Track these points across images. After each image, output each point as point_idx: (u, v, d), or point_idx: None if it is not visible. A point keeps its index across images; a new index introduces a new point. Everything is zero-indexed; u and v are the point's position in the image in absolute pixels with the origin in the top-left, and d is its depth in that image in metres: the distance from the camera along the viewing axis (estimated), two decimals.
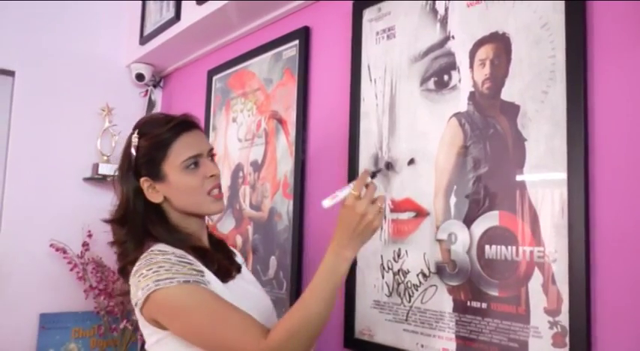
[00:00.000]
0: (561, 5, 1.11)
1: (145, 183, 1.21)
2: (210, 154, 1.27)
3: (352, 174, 1.54)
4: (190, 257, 1.15)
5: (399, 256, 1.40)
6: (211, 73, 2.33)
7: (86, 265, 2.42)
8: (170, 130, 1.20)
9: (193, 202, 1.22)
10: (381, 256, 1.44)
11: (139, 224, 1.21)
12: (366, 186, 1.09)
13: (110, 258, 2.43)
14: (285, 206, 1.82)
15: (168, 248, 1.15)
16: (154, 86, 2.75)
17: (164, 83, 2.83)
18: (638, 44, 1.02)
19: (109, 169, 2.51)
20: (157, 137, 1.20)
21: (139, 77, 2.66)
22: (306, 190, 1.77)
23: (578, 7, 1.09)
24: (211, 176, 1.23)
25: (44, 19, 2.53)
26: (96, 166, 2.53)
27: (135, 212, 1.21)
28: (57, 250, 2.37)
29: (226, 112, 2.21)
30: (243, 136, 2.08)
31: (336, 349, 1.56)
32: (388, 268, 1.43)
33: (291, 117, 1.84)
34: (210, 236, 1.33)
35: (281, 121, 1.89)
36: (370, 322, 1.45)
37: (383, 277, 1.44)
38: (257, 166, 1.98)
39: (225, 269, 1.22)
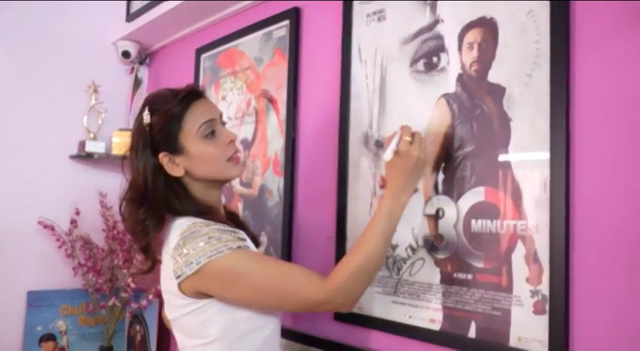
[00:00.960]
0: None
1: (164, 158, 1.28)
2: (222, 121, 1.34)
3: (343, 151, 1.62)
4: (230, 226, 1.24)
5: None
6: (200, 52, 2.38)
7: (74, 242, 2.47)
8: (180, 103, 1.27)
9: (215, 170, 1.30)
10: None
11: (160, 201, 1.27)
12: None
13: (98, 235, 2.51)
14: (275, 183, 1.90)
15: (204, 221, 1.23)
16: (140, 64, 2.79)
17: (150, 61, 2.87)
18: (621, 31, 1.11)
19: (95, 146, 2.57)
20: (169, 111, 1.27)
21: (125, 54, 2.69)
22: (296, 168, 1.85)
23: None
24: (230, 142, 1.31)
25: None
26: (82, 144, 2.57)
27: (155, 189, 1.28)
28: (45, 227, 2.42)
29: (216, 91, 2.27)
30: (233, 115, 2.15)
31: (327, 323, 1.65)
32: None
33: (282, 96, 1.91)
34: (225, 208, 1.42)
35: (271, 100, 1.96)
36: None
37: None
38: (247, 144, 2.05)
39: (253, 237, 1.32)
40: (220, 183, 1.36)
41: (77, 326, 2.57)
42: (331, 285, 1.17)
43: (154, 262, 1.35)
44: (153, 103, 1.31)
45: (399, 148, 1.23)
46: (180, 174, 1.29)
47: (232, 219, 1.38)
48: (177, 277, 1.19)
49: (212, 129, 1.29)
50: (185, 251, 1.18)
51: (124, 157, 1.36)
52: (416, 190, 1.37)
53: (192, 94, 1.30)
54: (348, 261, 1.19)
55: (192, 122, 1.27)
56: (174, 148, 1.28)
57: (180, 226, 1.23)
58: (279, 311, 1.32)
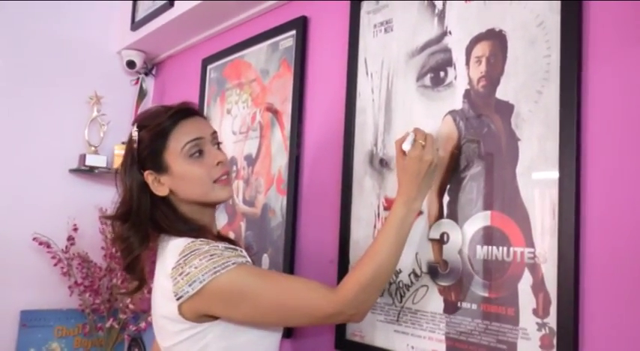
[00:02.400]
0: (557, 5, 1.19)
1: (149, 176, 1.30)
2: (215, 141, 1.35)
3: (347, 170, 1.63)
4: (228, 244, 1.25)
5: None
6: (206, 62, 2.42)
7: (71, 260, 2.49)
8: (168, 119, 1.29)
9: (200, 192, 1.31)
10: None
11: (144, 219, 1.30)
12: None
13: (97, 253, 2.54)
14: (279, 202, 1.91)
15: (203, 239, 1.24)
16: (146, 74, 2.84)
17: (157, 71, 2.92)
18: (633, 46, 1.10)
19: (96, 160, 2.61)
20: (156, 128, 1.29)
21: (130, 64, 2.74)
22: (300, 186, 1.85)
23: (574, 7, 1.17)
24: (218, 164, 1.31)
25: (28, 1, 2.57)
26: (83, 157, 2.62)
27: (139, 207, 1.30)
28: (40, 244, 2.44)
29: (221, 104, 2.29)
30: (237, 129, 2.17)
31: None
32: None
33: (287, 110, 1.92)
34: (219, 233, 1.43)
35: (276, 115, 1.97)
36: (362, 323, 1.53)
37: None
38: (251, 161, 2.07)
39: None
40: (207, 204, 1.36)
41: (72, 348, 2.59)
42: (341, 297, 1.19)
43: (141, 283, 1.37)
44: (143, 119, 1.34)
45: (411, 153, 1.25)
46: (164, 193, 1.31)
47: (227, 240, 1.40)
48: (179, 298, 1.20)
49: (199, 148, 1.30)
50: (187, 270, 1.19)
51: (116, 172, 1.39)
52: (421, 213, 1.37)
53: (183, 112, 1.32)
54: (359, 271, 1.21)
55: (177, 140, 1.29)
56: (160, 166, 1.30)
57: (178, 246, 1.24)
58: (290, 326, 1.35)
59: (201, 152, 1.31)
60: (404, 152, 1.28)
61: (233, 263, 1.19)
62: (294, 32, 1.94)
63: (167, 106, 1.34)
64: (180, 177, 1.29)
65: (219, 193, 1.33)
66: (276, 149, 1.96)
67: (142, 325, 2.44)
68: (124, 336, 2.61)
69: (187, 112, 1.33)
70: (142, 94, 2.76)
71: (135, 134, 1.31)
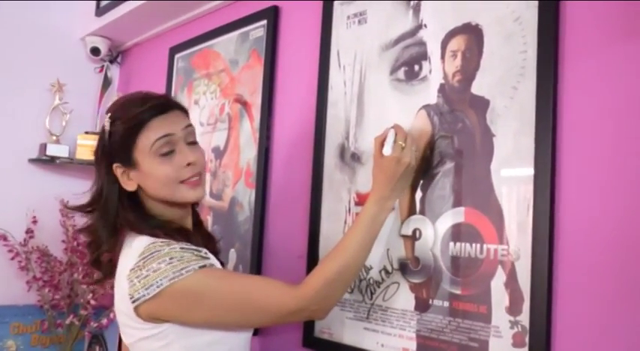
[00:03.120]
0: (534, 2, 1.20)
1: (117, 170, 1.27)
2: (191, 138, 1.30)
3: (317, 164, 1.62)
4: (190, 244, 1.23)
5: None
6: (173, 51, 2.38)
7: (30, 253, 2.43)
8: (141, 114, 1.24)
9: (167, 191, 1.27)
10: None
11: (112, 212, 1.27)
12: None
13: (57, 247, 2.48)
14: (247, 196, 1.89)
15: (164, 240, 1.22)
16: (111, 62, 2.78)
17: (122, 59, 2.86)
18: (611, 43, 1.11)
19: (58, 150, 2.55)
20: (129, 122, 1.25)
21: (95, 51, 2.68)
22: (269, 180, 1.84)
23: (551, 4, 1.17)
24: (188, 165, 1.27)
25: None
26: (43, 147, 2.55)
27: (107, 200, 1.28)
28: None
29: (188, 94, 2.26)
30: (205, 121, 2.14)
31: (295, 349, 1.63)
32: None
33: (256, 101, 1.90)
34: (196, 217, 1.42)
35: (246, 106, 1.95)
36: (330, 321, 1.53)
37: None
38: (219, 153, 2.04)
39: (212, 250, 1.31)
40: (179, 204, 1.33)
41: (29, 346, 2.52)
42: (304, 292, 1.18)
43: (105, 275, 1.36)
44: (117, 109, 1.30)
45: (391, 154, 1.25)
46: (132, 189, 1.29)
47: (200, 233, 1.39)
48: (134, 301, 1.18)
49: (171, 148, 1.26)
50: (144, 273, 1.17)
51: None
52: (392, 209, 1.37)
53: (159, 107, 1.27)
54: (324, 267, 1.21)
55: (147, 137, 1.25)
56: (128, 161, 1.26)
57: (138, 246, 1.22)
58: (252, 326, 1.33)
59: (172, 151, 1.26)
60: (382, 150, 1.27)
61: (191, 269, 1.16)
62: (264, 22, 1.91)
63: (145, 97, 1.29)
64: (148, 175, 1.26)
65: (186, 194, 1.28)
66: (244, 141, 1.94)
67: (104, 321, 2.39)
68: (85, 333, 2.56)
69: (164, 106, 1.28)
70: (106, 83, 2.69)
71: (107, 125, 1.27)
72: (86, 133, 2.63)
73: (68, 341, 2.51)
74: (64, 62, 2.71)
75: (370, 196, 1.27)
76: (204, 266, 1.18)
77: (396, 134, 1.26)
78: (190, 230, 1.34)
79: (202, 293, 1.17)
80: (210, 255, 1.24)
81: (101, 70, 2.75)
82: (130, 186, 1.28)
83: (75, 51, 2.76)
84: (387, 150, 1.26)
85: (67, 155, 2.57)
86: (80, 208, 1.31)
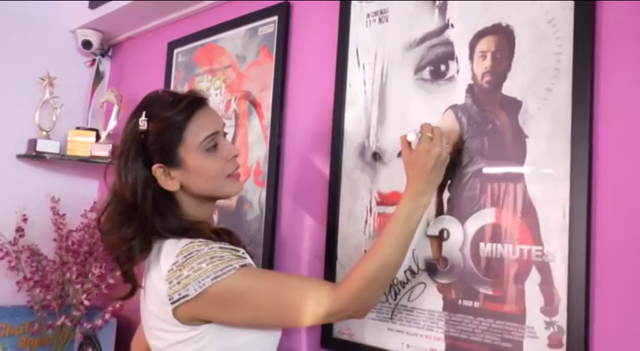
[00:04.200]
0: (569, 3, 1.22)
1: (158, 170, 1.26)
2: (224, 131, 1.34)
3: (336, 163, 1.63)
4: (227, 244, 1.23)
5: None
6: (172, 46, 2.36)
7: (20, 253, 2.38)
8: (183, 111, 1.25)
9: (213, 186, 1.29)
10: (365, 251, 1.53)
11: (150, 218, 1.25)
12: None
13: (48, 246, 2.44)
14: (256, 195, 1.89)
15: (202, 240, 1.21)
16: (102, 56, 2.74)
17: (113, 53, 2.83)
18: None
19: (48, 145, 2.50)
20: (169, 120, 1.25)
21: (86, 44, 2.64)
22: (281, 178, 1.84)
23: (587, 5, 1.20)
24: (232, 158, 1.31)
25: None
26: (33, 143, 2.50)
27: (144, 205, 1.25)
28: None
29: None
30: None
31: (313, 349, 1.64)
32: None
33: (266, 99, 1.90)
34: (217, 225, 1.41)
35: (254, 103, 1.95)
36: (350, 321, 1.54)
37: None
38: None
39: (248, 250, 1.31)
40: (216, 199, 1.35)
41: (17, 348, 2.46)
42: (344, 293, 1.19)
43: (134, 287, 1.32)
44: (151, 107, 1.28)
45: (419, 146, 1.26)
46: (175, 188, 1.28)
47: (227, 234, 1.37)
48: (174, 302, 1.17)
49: (215, 142, 1.28)
50: (185, 273, 1.16)
51: (109, 164, 1.34)
52: (428, 204, 1.38)
53: (196, 102, 1.29)
54: (363, 266, 1.21)
55: (195, 134, 1.26)
56: (172, 160, 1.26)
57: (174, 247, 1.22)
58: (292, 326, 1.36)
59: (216, 146, 1.29)
60: (410, 146, 1.29)
61: (233, 268, 1.17)
62: (275, 18, 1.91)
63: (176, 95, 1.30)
64: (195, 171, 1.27)
65: (231, 188, 1.33)
66: (253, 139, 1.94)
67: (98, 322, 2.36)
68: (77, 334, 2.51)
69: (200, 101, 1.30)
70: (98, 77, 2.66)
71: (143, 125, 1.25)
72: (77, 128, 2.59)
73: (59, 343, 2.45)
74: (55, 55, 2.67)
75: (404, 193, 1.27)
76: (244, 265, 1.19)
77: (422, 128, 1.28)
78: (224, 230, 1.34)
79: (244, 292, 1.18)
80: (247, 255, 1.24)
81: (92, 64, 2.71)
82: (171, 186, 1.27)
83: (65, 44, 2.71)
84: (412, 137, 1.29)
85: (57, 151, 2.52)
86: (117, 215, 1.27)
